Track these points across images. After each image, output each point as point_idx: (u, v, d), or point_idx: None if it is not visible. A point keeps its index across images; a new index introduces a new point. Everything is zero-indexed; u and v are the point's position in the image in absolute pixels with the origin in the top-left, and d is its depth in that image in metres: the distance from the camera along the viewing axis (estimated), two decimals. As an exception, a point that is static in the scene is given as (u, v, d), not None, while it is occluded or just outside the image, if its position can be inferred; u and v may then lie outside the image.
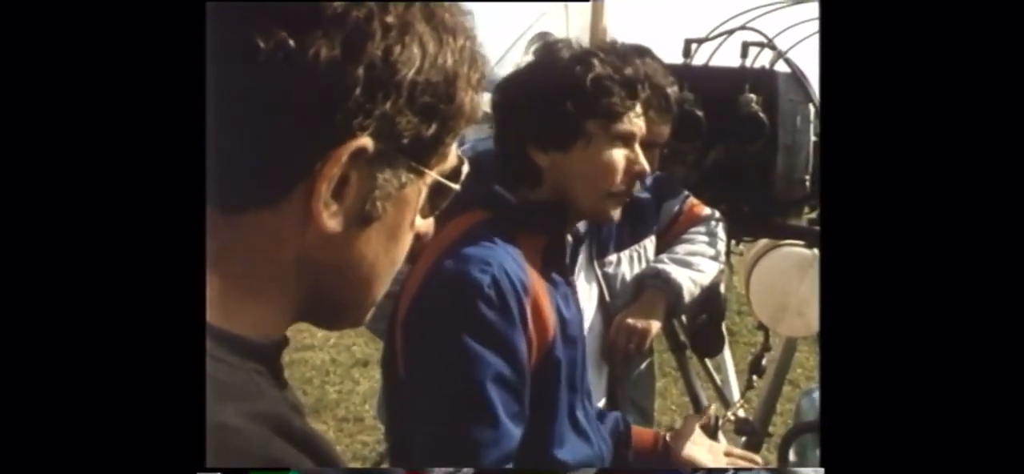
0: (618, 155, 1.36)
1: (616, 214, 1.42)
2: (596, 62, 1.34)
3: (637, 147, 1.38)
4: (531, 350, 1.29)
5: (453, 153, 0.68)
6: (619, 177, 1.37)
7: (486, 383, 1.24)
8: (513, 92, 1.39)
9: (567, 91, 1.33)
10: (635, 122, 1.36)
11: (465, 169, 0.69)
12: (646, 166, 1.38)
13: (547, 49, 1.41)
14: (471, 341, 1.23)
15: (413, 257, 0.72)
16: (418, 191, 0.66)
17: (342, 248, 0.64)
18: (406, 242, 0.68)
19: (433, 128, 0.64)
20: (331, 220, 0.61)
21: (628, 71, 1.35)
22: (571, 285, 1.47)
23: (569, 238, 1.46)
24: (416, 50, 0.61)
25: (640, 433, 1.62)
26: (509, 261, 1.29)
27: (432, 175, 0.66)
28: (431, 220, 0.70)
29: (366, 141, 0.60)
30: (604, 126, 1.34)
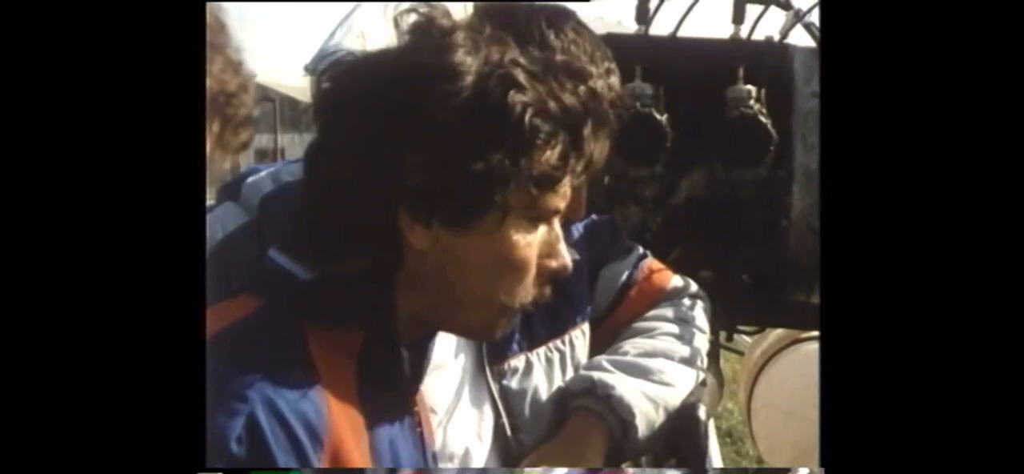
0: (534, 243, 1.06)
1: (500, 333, 1.14)
2: (521, 76, 0.99)
3: (557, 225, 1.07)
4: None
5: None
6: (531, 280, 1.07)
7: None
8: (372, 100, 1.00)
9: (490, 133, 0.99)
10: (566, 190, 1.08)
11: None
12: (567, 261, 1.11)
13: (438, 36, 1.02)
14: None
15: None
16: None
17: None
18: None
19: None
20: None
21: (567, 99, 1.02)
22: (412, 410, 1.14)
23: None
24: None
25: None
26: (285, 387, 0.97)
27: None
28: None
29: None
30: (532, 196, 1.03)
